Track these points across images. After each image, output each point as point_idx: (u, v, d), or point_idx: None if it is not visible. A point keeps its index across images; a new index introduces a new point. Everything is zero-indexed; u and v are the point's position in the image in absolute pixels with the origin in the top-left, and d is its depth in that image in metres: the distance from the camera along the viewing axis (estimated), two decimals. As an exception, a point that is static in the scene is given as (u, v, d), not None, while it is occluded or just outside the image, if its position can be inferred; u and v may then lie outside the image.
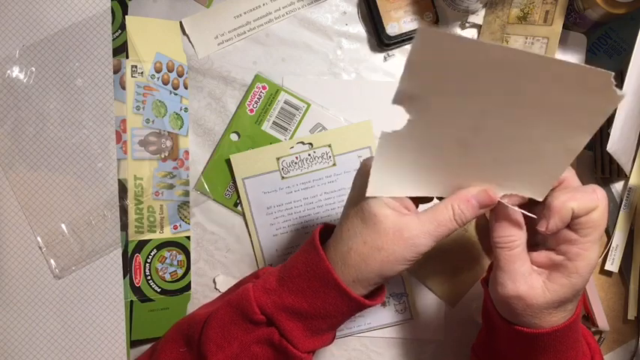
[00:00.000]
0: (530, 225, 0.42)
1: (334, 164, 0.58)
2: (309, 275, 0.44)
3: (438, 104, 0.38)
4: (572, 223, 0.40)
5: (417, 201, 0.44)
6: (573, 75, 0.34)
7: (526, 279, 0.41)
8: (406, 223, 0.41)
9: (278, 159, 0.58)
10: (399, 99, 0.37)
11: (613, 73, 0.32)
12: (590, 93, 0.34)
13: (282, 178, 0.58)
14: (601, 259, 0.59)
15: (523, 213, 0.41)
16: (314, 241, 0.44)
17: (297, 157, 0.58)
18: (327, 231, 0.46)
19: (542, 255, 0.42)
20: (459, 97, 0.37)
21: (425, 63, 0.35)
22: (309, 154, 0.58)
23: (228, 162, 0.59)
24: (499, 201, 0.41)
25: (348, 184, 0.45)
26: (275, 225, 0.60)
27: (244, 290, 0.46)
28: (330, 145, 0.58)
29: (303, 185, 0.59)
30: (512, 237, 0.41)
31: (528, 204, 0.42)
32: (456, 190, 0.42)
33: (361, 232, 0.42)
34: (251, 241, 0.60)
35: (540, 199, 0.41)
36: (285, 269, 0.46)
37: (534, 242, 0.43)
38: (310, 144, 0.58)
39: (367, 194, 0.41)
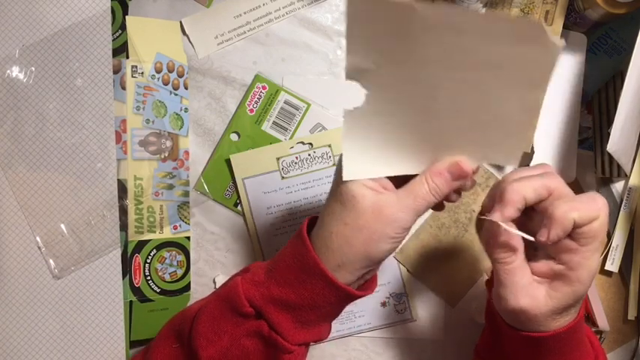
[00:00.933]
0: (529, 232, 0.41)
1: (334, 164, 0.58)
2: (296, 266, 0.44)
3: (390, 74, 0.38)
4: (573, 232, 0.40)
5: (396, 182, 0.43)
6: (508, 29, 0.34)
7: (527, 291, 0.41)
8: (385, 200, 0.41)
9: (278, 159, 0.58)
10: (350, 74, 0.38)
11: (544, 22, 0.33)
12: (530, 44, 0.35)
13: (282, 178, 0.58)
14: (601, 259, 0.59)
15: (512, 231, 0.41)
16: (301, 232, 0.44)
17: (297, 157, 0.58)
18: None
19: (542, 265, 0.42)
20: (407, 64, 0.37)
21: (364, 32, 0.36)
22: (309, 154, 0.58)
23: (228, 162, 0.59)
24: (496, 222, 0.40)
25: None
26: (275, 225, 0.60)
27: (233, 283, 0.46)
28: (330, 145, 0.58)
29: (303, 185, 0.59)
30: (510, 254, 0.41)
31: (527, 212, 0.42)
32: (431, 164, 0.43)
33: (341, 214, 0.42)
34: (251, 241, 0.60)
35: (515, 165, 0.41)
36: (274, 262, 0.46)
37: (533, 247, 0.43)
38: (310, 144, 0.58)
39: (343, 178, 0.42)
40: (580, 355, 0.45)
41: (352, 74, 0.39)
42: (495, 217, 0.41)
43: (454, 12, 0.34)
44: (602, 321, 0.57)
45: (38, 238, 0.57)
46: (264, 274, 0.45)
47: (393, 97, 0.39)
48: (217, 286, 0.60)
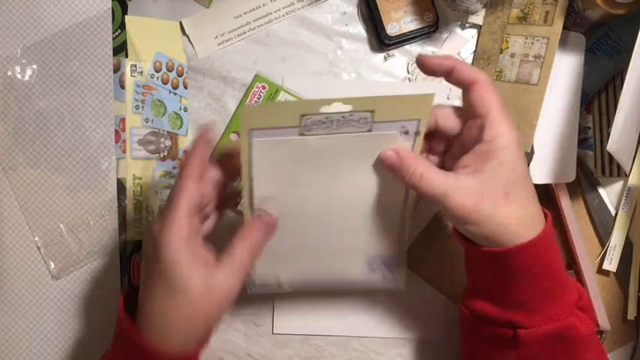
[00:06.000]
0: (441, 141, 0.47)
1: (369, 130, 0.45)
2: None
3: (288, 196, 0.47)
4: (467, 104, 0.44)
5: None
6: (369, 146, 0.45)
7: (456, 185, 0.42)
8: (213, 280, 0.42)
9: (302, 116, 0.44)
10: (260, 202, 0.47)
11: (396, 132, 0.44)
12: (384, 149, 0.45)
13: (300, 135, 0.45)
14: (599, 258, 0.59)
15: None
16: (121, 316, 0.44)
17: (326, 117, 0.44)
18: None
19: (464, 159, 0.43)
20: (300, 183, 0.47)
21: (267, 166, 0.45)
22: (343, 117, 0.44)
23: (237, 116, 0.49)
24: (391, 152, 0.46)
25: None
26: None
27: None
28: (373, 112, 0.44)
29: None
30: (413, 167, 0.43)
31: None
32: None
33: (174, 302, 0.42)
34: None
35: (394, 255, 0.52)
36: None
37: (445, 154, 0.48)
38: (350, 106, 0.44)
39: (255, 283, 0.52)
40: (561, 285, 0.44)
41: (259, 202, 0.47)
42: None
43: (333, 139, 0.44)
44: (603, 320, 0.57)
45: (37, 239, 0.57)
46: None
47: (292, 215, 0.49)
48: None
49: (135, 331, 0.43)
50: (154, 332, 0.42)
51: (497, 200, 0.41)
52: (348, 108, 0.43)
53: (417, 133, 0.45)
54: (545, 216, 0.45)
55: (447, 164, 0.47)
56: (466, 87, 0.43)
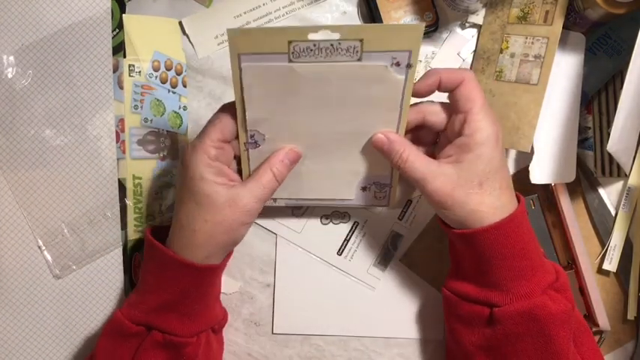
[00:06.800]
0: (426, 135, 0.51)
1: (359, 59, 0.46)
2: (158, 269, 0.49)
3: (281, 119, 0.49)
4: (451, 100, 0.47)
5: None
6: (360, 76, 0.46)
7: (436, 171, 0.46)
8: (237, 193, 0.47)
9: (290, 42, 0.45)
10: (253, 124, 0.49)
11: (386, 64, 0.45)
12: (378, 82, 0.46)
13: (290, 61, 0.46)
14: (599, 258, 0.59)
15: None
16: (149, 241, 0.50)
17: (314, 45, 0.45)
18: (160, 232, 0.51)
19: (447, 150, 0.47)
20: (293, 108, 0.48)
21: (259, 92, 0.46)
22: (332, 45, 0.45)
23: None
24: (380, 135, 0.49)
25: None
26: None
27: (113, 316, 0.50)
28: (362, 40, 0.45)
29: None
30: (401, 151, 0.47)
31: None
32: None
33: (199, 213, 0.47)
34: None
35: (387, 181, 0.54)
36: (139, 282, 0.51)
37: (432, 143, 0.52)
38: (338, 34, 0.45)
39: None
40: (525, 265, 0.46)
41: (254, 124, 0.49)
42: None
43: (322, 68, 0.45)
44: (603, 320, 0.57)
45: (38, 238, 0.57)
46: (135, 294, 0.50)
47: (285, 136, 0.50)
48: (217, 286, 0.60)
49: (163, 246, 0.49)
50: (181, 242, 0.48)
51: (471, 189, 0.46)
52: (336, 36, 0.44)
53: (408, 66, 0.46)
54: (519, 200, 0.48)
55: (435, 154, 0.50)
56: (455, 88, 0.47)
